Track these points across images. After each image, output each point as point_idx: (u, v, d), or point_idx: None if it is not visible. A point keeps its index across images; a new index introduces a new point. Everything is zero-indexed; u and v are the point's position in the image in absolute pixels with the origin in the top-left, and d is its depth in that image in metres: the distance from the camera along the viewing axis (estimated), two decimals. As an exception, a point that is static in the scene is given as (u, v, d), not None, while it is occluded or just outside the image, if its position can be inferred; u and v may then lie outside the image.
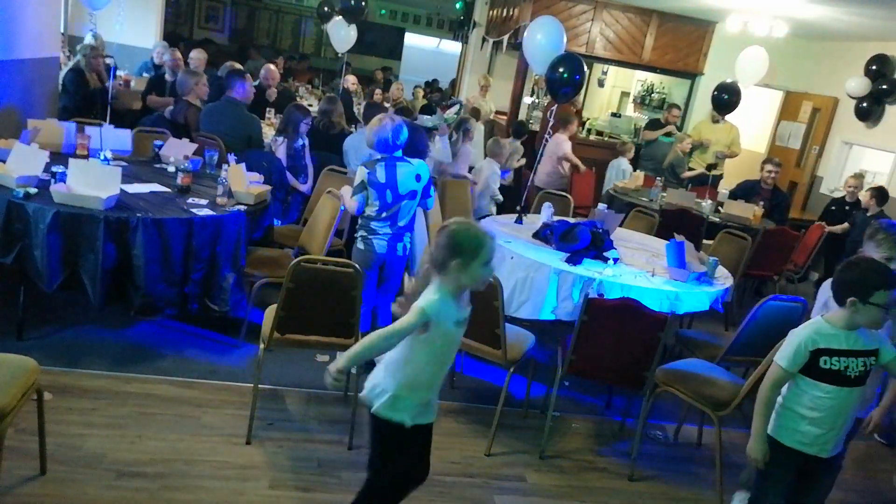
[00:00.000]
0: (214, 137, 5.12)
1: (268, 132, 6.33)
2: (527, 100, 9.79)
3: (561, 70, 4.92)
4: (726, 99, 7.58)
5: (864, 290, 2.35)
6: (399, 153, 3.72)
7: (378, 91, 9.31)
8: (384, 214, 3.71)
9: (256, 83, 7.31)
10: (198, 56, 7.64)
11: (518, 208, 4.95)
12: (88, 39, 7.11)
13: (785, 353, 2.46)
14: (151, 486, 2.76)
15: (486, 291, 3.30)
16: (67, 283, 3.49)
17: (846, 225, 6.61)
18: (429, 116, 6.26)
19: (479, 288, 2.23)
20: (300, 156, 5.28)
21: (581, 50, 8.40)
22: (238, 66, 7.27)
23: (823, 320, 2.47)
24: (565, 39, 5.18)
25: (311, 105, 8.13)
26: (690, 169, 7.88)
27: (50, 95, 6.23)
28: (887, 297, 2.36)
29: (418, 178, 3.72)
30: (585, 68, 5.17)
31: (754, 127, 9.35)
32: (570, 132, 7.63)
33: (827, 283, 3.02)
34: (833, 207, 6.98)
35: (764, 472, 2.57)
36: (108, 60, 6.89)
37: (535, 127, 8.81)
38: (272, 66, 7.78)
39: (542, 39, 5.12)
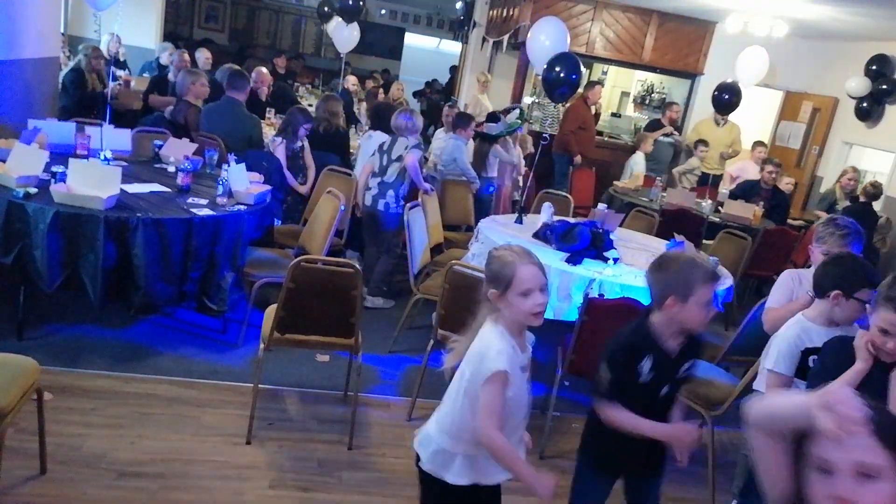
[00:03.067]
0: (214, 137, 5.12)
1: (268, 132, 6.33)
2: (527, 100, 9.80)
3: (557, 69, 4.93)
4: (727, 99, 7.58)
5: (848, 285, 2.35)
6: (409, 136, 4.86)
7: (379, 91, 9.35)
8: (376, 171, 4.86)
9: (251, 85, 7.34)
10: (203, 56, 7.67)
11: (518, 208, 4.95)
12: (104, 40, 7.12)
13: (779, 358, 2.42)
14: (151, 486, 2.76)
15: (486, 291, 3.31)
16: (67, 283, 3.49)
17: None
18: (494, 124, 6.36)
19: (532, 323, 1.96)
20: (298, 157, 5.27)
21: (581, 50, 8.40)
22: (237, 67, 7.29)
23: (804, 318, 2.45)
24: (568, 40, 5.20)
25: (310, 105, 8.14)
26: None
27: (50, 95, 6.23)
28: (869, 295, 2.35)
29: (406, 147, 4.79)
30: (583, 68, 5.18)
31: (754, 127, 9.35)
32: (756, 159, 7.66)
33: (783, 275, 3.03)
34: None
35: (754, 475, 2.57)
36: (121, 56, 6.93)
37: (535, 127, 8.81)
38: (263, 69, 7.77)
39: (547, 41, 5.13)
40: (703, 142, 7.82)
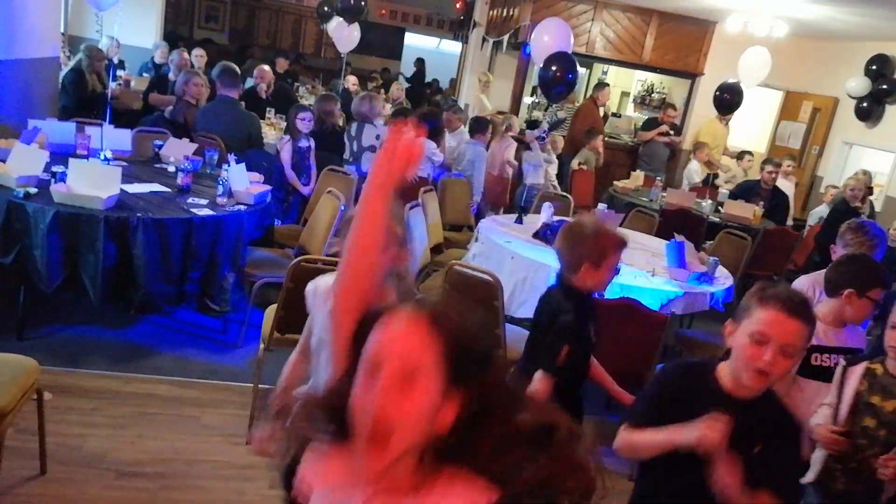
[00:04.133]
0: (214, 137, 5.12)
1: (268, 132, 6.32)
2: (527, 100, 9.79)
3: (554, 68, 4.93)
4: (729, 99, 7.57)
5: (862, 284, 2.35)
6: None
7: (381, 91, 9.35)
8: (351, 159, 5.19)
9: (251, 84, 7.34)
10: (196, 55, 7.68)
11: (518, 208, 4.95)
12: (104, 43, 7.11)
13: None
14: (151, 486, 2.76)
15: (486, 291, 3.30)
16: (67, 283, 3.49)
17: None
18: (534, 130, 6.49)
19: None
20: (304, 156, 5.27)
21: (581, 50, 8.40)
22: (229, 64, 7.30)
23: None
24: (572, 41, 5.21)
25: (310, 105, 8.15)
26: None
27: (50, 95, 6.22)
28: (881, 295, 2.38)
29: (377, 136, 5.10)
30: (584, 68, 5.21)
31: (754, 127, 9.34)
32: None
33: (801, 280, 3.03)
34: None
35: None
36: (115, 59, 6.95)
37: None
38: (265, 67, 7.77)
39: (551, 42, 5.14)
40: (749, 152, 7.92)
